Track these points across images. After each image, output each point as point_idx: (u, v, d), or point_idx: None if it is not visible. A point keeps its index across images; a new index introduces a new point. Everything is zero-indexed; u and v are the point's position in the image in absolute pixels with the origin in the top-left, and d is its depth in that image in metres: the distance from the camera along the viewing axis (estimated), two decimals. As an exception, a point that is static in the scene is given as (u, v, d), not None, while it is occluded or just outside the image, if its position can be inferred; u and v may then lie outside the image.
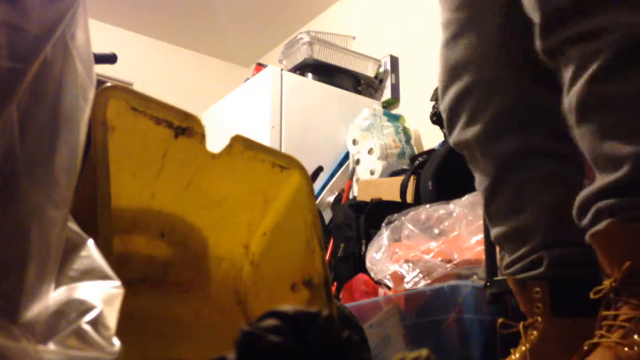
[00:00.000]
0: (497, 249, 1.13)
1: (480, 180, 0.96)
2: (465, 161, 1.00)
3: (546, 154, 0.91)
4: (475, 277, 1.36)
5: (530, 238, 0.88)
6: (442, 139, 2.36)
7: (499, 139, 0.92)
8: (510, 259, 0.91)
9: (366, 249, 1.78)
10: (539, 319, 0.85)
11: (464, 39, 0.95)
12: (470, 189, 1.60)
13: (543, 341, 0.84)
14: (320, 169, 2.57)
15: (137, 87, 3.74)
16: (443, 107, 0.99)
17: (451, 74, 0.97)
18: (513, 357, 0.86)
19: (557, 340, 0.84)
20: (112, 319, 0.47)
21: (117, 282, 0.51)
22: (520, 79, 0.93)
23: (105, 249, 0.58)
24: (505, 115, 0.93)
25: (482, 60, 0.94)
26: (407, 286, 1.42)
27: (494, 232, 0.94)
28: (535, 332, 0.85)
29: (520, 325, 0.87)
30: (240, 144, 0.90)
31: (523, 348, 0.85)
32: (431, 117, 2.34)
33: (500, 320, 0.92)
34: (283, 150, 2.23)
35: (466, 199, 1.59)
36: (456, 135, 0.97)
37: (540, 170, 0.91)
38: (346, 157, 2.88)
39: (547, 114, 0.91)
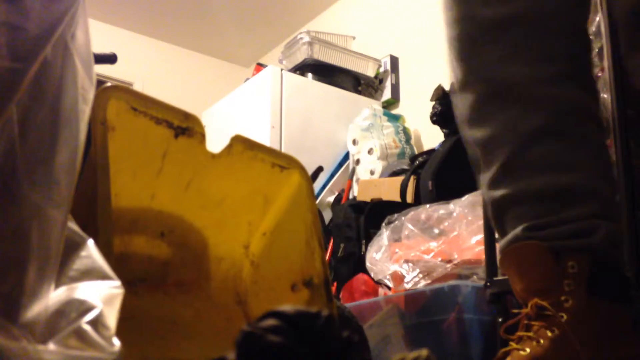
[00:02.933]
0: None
1: (514, 119, 0.78)
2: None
3: (599, 118, 0.79)
4: (475, 277, 1.36)
5: (582, 201, 0.74)
6: (442, 139, 2.36)
7: (553, 82, 0.77)
8: (535, 221, 0.75)
9: (366, 249, 1.78)
10: (569, 299, 0.72)
11: None
12: (470, 189, 1.61)
13: (575, 325, 0.71)
14: (320, 169, 2.57)
15: (137, 87, 3.74)
16: (459, 32, 0.80)
17: None
18: (523, 352, 0.73)
19: (592, 326, 0.71)
20: (112, 319, 0.47)
21: (117, 282, 0.51)
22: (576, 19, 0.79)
23: (105, 249, 0.58)
24: (561, 59, 0.77)
25: None
26: (407, 286, 1.42)
27: (524, 183, 0.76)
28: (565, 315, 0.72)
29: (532, 304, 0.73)
30: (240, 144, 0.90)
31: (546, 335, 0.72)
32: (431, 117, 2.34)
33: (500, 319, 0.90)
34: (283, 150, 2.23)
35: (466, 199, 1.59)
36: (487, 67, 0.79)
37: (598, 131, 0.78)
38: (346, 157, 2.88)
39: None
